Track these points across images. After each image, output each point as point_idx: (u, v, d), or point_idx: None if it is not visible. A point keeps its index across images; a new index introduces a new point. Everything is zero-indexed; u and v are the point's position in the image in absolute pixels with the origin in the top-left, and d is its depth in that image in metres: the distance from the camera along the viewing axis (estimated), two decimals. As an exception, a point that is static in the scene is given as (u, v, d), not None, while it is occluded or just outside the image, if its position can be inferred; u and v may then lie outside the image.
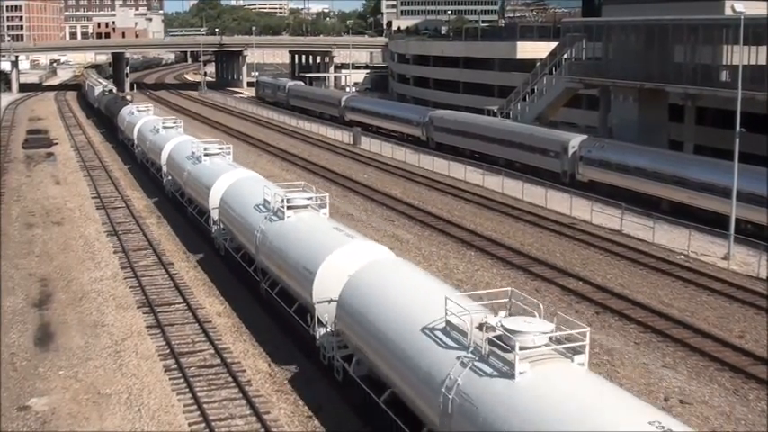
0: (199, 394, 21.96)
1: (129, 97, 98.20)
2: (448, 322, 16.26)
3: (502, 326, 14.84)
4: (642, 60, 49.60)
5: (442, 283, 19.87)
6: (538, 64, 62.57)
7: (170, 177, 45.54)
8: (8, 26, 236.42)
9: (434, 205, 46.04)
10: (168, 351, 25.04)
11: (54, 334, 26.83)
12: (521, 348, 14.09)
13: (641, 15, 51.58)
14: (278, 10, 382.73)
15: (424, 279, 19.74)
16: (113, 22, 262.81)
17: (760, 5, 42.87)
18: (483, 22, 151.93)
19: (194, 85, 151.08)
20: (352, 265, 21.02)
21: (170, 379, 23.15)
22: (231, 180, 34.06)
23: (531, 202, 46.07)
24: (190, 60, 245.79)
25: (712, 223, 37.41)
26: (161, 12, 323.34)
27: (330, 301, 21.69)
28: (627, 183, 45.03)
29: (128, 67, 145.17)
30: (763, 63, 42.16)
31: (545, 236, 39.07)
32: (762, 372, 23.37)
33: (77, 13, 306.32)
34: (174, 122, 53.96)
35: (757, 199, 36.61)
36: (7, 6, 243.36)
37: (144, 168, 56.29)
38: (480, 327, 15.42)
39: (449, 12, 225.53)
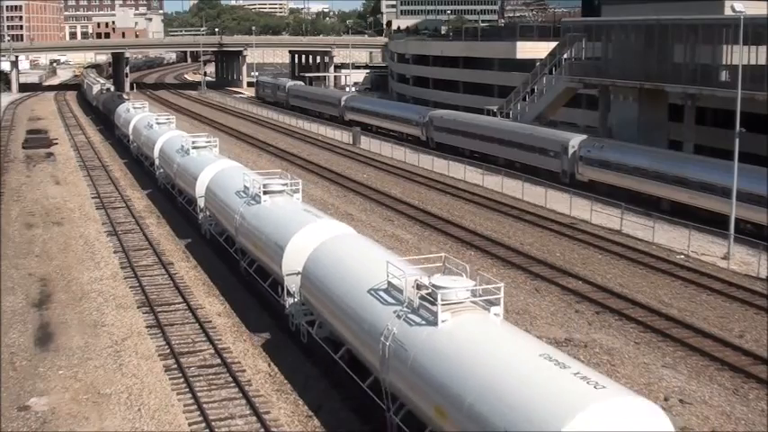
0: (199, 394, 21.96)
1: (125, 95, 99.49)
2: (389, 283, 18.95)
3: (431, 284, 17.30)
4: (642, 60, 49.58)
5: (391, 253, 22.26)
6: (537, 64, 62.53)
7: (162, 170, 47.60)
8: (8, 26, 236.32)
9: (434, 205, 46.04)
10: (168, 351, 25.04)
11: (54, 334, 26.83)
12: (443, 300, 16.76)
13: (641, 15, 51.54)
14: (278, 10, 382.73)
15: (375, 250, 22.48)
16: (113, 22, 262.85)
17: (760, 5, 42.87)
18: (483, 21, 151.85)
19: (194, 85, 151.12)
20: (317, 241, 23.55)
21: (170, 379, 23.15)
22: (216, 170, 36.56)
23: (531, 201, 46.08)
24: (189, 60, 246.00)
25: (712, 223, 37.42)
26: (161, 12, 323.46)
27: (297, 273, 23.90)
28: (626, 182, 45.03)
29: (127, 67, 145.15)
30: (763, 63, 42.15)
31: (545, 235, 39.07)
32: (762, 371, 23.38)
33: (77, 12, 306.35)
34: (167, 119, 55.64)
35: (757, 199, 36.62)
36: (7, 6, 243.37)
37: (139, 163, 58.19)
38: (415, 286, 17.87)
39: (448, 11, 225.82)
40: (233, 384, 22.64)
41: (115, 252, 36.62)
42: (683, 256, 35.02)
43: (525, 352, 15.23)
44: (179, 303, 29.47)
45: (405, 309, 17.85)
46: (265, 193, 29.16)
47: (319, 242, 23.33)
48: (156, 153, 48.81)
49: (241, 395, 21.93)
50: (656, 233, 37.73)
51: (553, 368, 14.30)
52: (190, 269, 34.21)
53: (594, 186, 46.74)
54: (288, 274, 24.78)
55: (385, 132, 75.80)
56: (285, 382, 22.99)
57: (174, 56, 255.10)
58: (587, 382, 13.67)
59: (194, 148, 41.83)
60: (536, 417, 13.40)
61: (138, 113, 62.41)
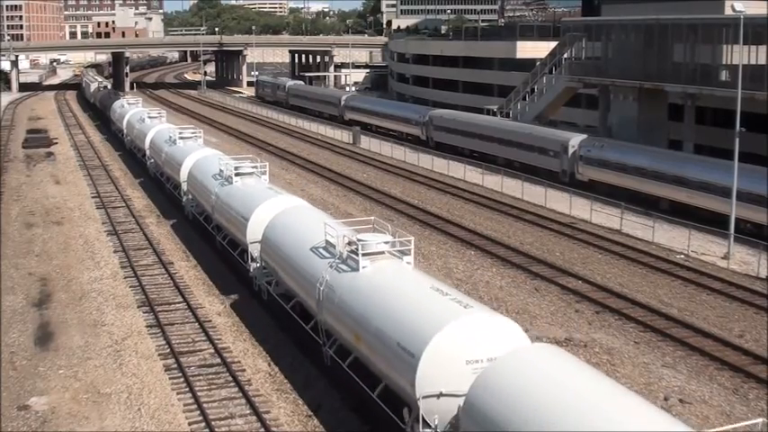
0: (199, 394, 21.97)
1: (121, 93, 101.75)
2: (326, 241, 22.75)
3: (357, 239, 21.00)
4: (642, 60, 49.59)
5: (331, 219, 26.06)
6: (537, 63, 62.54)
7: (152, 160, 51.38)
8: (8, 25, 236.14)
9: (434, 204, 46.04)
10: (168, 350, 25.05)
11: (54, 333, 26.84)
12: (364, 251, 20.58)
13: (641, 14, 51.55)
14: (278, 9, 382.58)
15: (319, 216, 26.35)
16: (113, 22, 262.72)
17: (760, 5, 42.86)
18: (483, 21, 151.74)
19: (194, 85, 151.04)
20: (274, 212, 27.49)
21: (170, 378, 23.16)
22: (198, 157, 40.26)
23: (531, 201, 46.07)
24: (190, 60, 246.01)
25: (712, 223, 37.42)
26: (161, 11, 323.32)
27: (259, 241, 27.74)
28: (626, 182, 45.03)
29: (127, 67, 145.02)
30: (763, 62, 42.15)
31: (545, 235, 39.07)
32: (762, 371, 23.39)
33: (77, 12, 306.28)
34: (158, 113, 59.32)
35: (757, 198, 36.62)
36: (7, 6, 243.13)
37: (132, 155, 61.78)
38: (346, 242, 21.72)
39: (448, 11, 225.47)
40: (233, 384, 22.65)
41: (115, 251, 36.63)
42: (682, 256, 35.02)
43: (421, 286, 19.00)
44: (179, 303, 29.48)
45: (336, 260, 21.71)
46: (237, 175, 32.93)
47: (276, 213, 27.31)
48: (147, 144, 52.23)
49: (241, 395, 21.94)
50: (655, 233, 37.73)
51: (438, 296, 18.09)
52: (190, 268, 34.22)
53: (594, 186, 46.73)
54: (251, 242, 28.48)
55: (385, 132, 75.77)
56: (285, 381, 23.01)
57: (176, 55, 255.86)
58: (460, 304, 17.40)
59: (181, 138, 45.47)
60: (419, 329, 17.06)
61: (131, 109, 65.70)
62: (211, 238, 35.10)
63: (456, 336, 16.45)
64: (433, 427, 16.57)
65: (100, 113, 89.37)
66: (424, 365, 16.39)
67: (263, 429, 20.14)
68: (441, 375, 16.33)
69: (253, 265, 28.65)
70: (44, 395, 22.25)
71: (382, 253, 20.92)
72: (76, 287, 31.71)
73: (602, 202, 42.32)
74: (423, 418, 16.61)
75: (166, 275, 32.76)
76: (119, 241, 38.06)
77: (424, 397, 16.51)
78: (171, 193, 45.04)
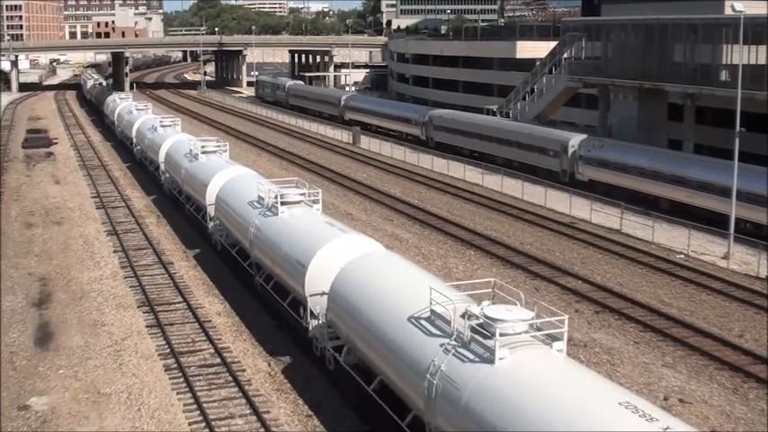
0: (198, 393, 21.97)
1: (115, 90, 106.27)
2: (259, 196, 29.17)
3: (279, 192, 27.67)
4: (642, 59, 49.59)
5: (264, 179, 32.61)
6: (537, 63, 62.54)
7: (138, 147, 57.83)
8: (8, 25, 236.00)
9: (434, 204, 46.04)
10: (168, 350, 25.05)
11: (54, 333, 26.84)
12: (282, 200, 27.30)
13: (641, 14, 51.54)
14: (277, 9, 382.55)
15: (256, 179, 32.26)
16: (113, 22, 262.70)
17: (760, 5, 42.84)
18: (482, 21, 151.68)
19: (194, 85, 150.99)
20: (227, 179, 34.28)
21: (170, 378, 23.15)
22: (173, 140, 47.02)
23: (531, 201, 46.07)
24: (189, 60, 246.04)
25: (712, 222, 37.42)
26: (160, 11, 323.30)
27: (214, 203, 34.32)
28: (626, 182, 45.03)
29: (127, 67, 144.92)
30: (763, 62, 42.14)
31: (544, 235, 39.07)
32: (761, 371, 23.39)
33: (77, 12, 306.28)
34: (145, 105, 65.81)
35: (757, 198, 36.62)
36: (7, 6, 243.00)
37: (122, 143, 68.31)
38: (272, 196, 27.87)
39: (448, 11, 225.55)
40: (233, 384, 22.65)
41: (115, 251, 36.62)
42: (682, 256, 35.02)
43: (319, 222, 25.61)
44: (179, 303, 29.48)
45: (264, 209, 28.09)
46: (203, 153, 40.01)
47: (228, 179, 33.90)
48: (133, 133, 59.07)
49: (241, 395, 21.94)
50: (655, 232, 37.73)
51: (328, 227, 24.65)
52: (189, 268, 34.21)
53: (594, 186, 46.74)
54: (209, 204, 35.17)
55: (385, 132, 75.77)
56: (285, 381, 23.01)
57: (180, 54, 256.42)
58: (340, 231, 24.04)
59: (161, 126, 52.42)
60: (309, 248, 23.59)
61: (121, 103, 72.38)
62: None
63: (333, 251, 22.74)
64: (316, 315, 22.80)
65: (95, 108, 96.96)
66: (310, 272, 22.97)
67: (262, 429, 20.14)
68: (322, 279, 22.38)
69: (210, 224, 35.27)
70: (44, 395, 22.24)
71: (298, 203, 27.42)
72: (76, 287, 31.71)
73: (602, 202, 42.32)
74: (310, 311, 22.96)
75: (166, 275, 32.76)
76: (119, 241, 38.06)
77: (311, 295, 22.93)
78: (152, 173, 51.84)
